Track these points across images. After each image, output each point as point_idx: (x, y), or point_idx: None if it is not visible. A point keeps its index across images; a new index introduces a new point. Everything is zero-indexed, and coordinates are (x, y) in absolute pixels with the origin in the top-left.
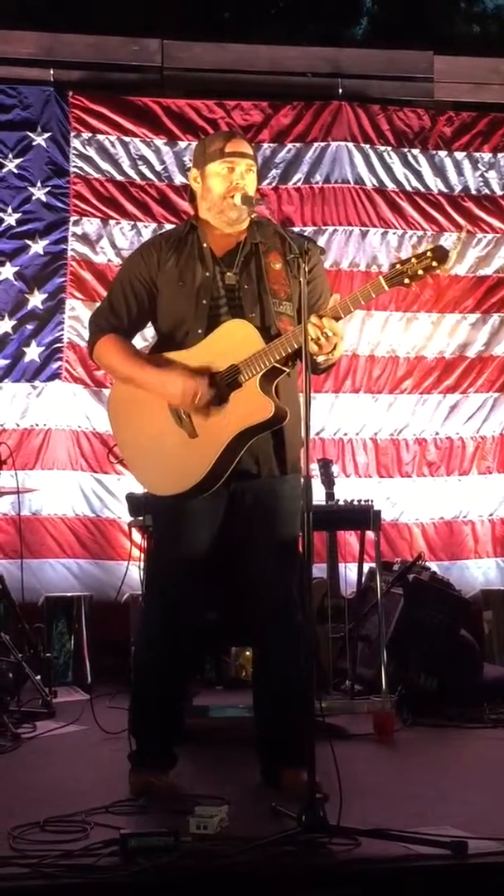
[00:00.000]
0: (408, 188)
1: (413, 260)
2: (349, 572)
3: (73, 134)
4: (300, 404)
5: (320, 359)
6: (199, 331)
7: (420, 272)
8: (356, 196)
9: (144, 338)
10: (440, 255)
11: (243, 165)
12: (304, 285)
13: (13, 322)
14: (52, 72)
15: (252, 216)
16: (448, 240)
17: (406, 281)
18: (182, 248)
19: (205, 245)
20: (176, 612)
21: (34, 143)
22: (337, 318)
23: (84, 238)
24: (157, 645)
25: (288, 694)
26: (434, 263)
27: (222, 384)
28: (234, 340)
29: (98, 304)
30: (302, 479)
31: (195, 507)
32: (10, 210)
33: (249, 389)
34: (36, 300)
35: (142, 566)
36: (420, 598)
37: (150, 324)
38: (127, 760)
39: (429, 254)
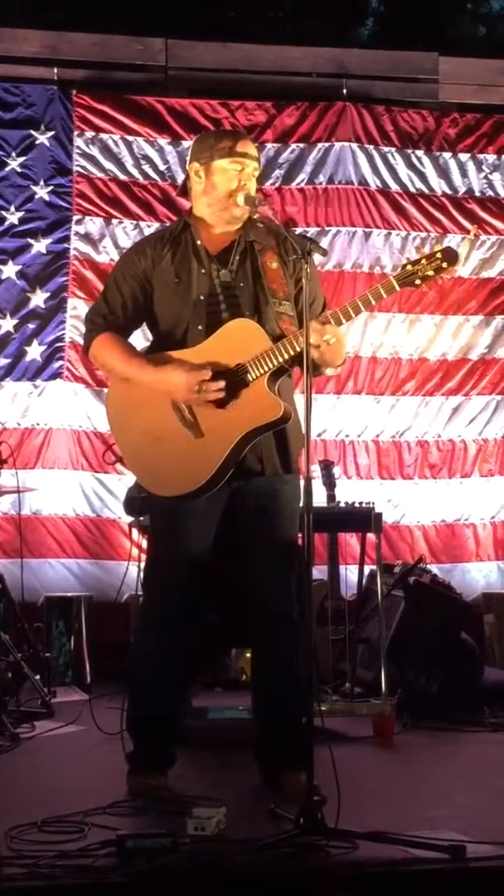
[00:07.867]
0: (412, 189)
1: (423, 261)
2: (350, 574)
3: (76, 133)
4: (296, 404)
5: (328, 371)
6: (200, 327)
7: (430, 273)
8: (360, 197)
9: (146, 338)
10: (450, 256)
11: (251, 168)
12: (307, 286)
13: (15, 321)
14: (55, 70)
15: (254, 216)
16: (452, 241)
17: (417, 282)
18: (177, 245)
19: (198, 242)
20: (174, 612)
21: (37, 142)
22: (343, 321)
23: (87, 237)
24: (155, 646)
25: (287, 695)
26: (444, 265)
27: (230, 382)
28: (239, 339)
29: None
30: (302, 480)
31: (195, 507)
32: (12, 209)
33: (258, 389)
34: (38, 299)
35: (142, 566)
36: (421, 600)
37: (144, 327)
38: (125, 761)
39: (438, 255)
